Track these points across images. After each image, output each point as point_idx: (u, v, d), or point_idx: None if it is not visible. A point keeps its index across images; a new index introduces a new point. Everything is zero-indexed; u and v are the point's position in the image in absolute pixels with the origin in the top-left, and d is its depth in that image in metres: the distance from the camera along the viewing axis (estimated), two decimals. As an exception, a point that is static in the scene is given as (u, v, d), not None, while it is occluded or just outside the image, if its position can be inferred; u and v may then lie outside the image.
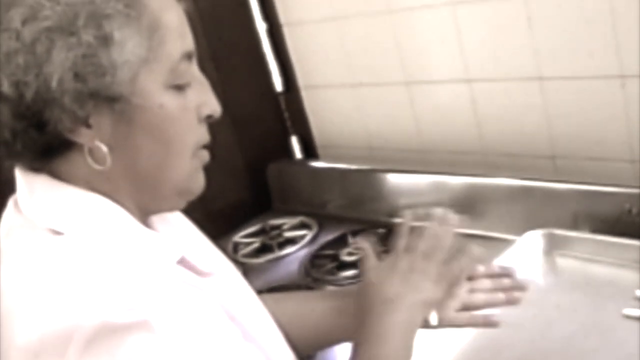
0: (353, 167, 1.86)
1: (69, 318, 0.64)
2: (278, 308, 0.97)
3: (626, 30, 1.28)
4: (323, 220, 1.83)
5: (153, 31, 0.72)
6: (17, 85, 0.67)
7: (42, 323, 0.64)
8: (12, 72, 0.67)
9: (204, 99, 0.78)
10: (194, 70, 0.78)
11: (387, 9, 1.63)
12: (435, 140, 1.70)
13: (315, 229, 1.79)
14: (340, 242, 1.68)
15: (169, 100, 0.74)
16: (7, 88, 0.68)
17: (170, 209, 0.84)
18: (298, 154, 2.03)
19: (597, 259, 1.27)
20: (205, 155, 0.81)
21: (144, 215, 0.79)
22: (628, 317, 1.09)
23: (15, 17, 0.67)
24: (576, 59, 1.38)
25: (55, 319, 0.64)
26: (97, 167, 0.72)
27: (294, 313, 1.01)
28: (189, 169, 0.78)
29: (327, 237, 1.74)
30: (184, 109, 0.75)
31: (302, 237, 1.78)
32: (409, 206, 1.69)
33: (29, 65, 0.67)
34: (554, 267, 1.32)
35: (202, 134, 0.79)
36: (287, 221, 1.87)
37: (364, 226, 1.72)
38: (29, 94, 0.67)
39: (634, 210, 1.29)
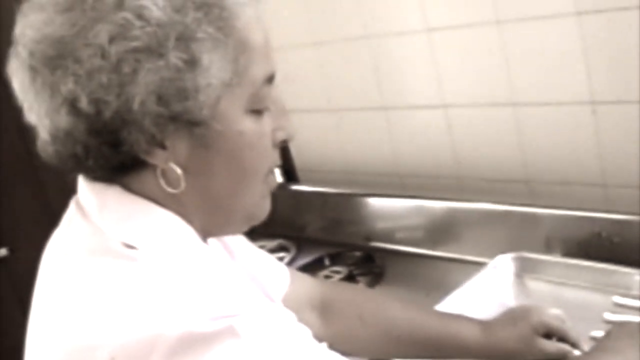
0: (332, 190, 1.87)
1: (152, 326, 0.61)
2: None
3: (596, 57, 1.31)
4: (301, 243, 1.84)
5: (239, 54, 0.69)
6: (96, 103, 0.64)
7: (125, 329, 0.62)
8: (93, 89, 0.64)
9: (280, 123, 0.76)
10: (274, 93, 0.75)
11: (365, 35, 1.66)
12: (412, 165, 1.72)
13: (293, 252, 1.80)
14: (318, 264, 1.70)
15: (248, 127, 0.71)
16: (85, 105, 0.64)
17: (233, 233, 0.83)
18: (278, 177, 2.04)
19: (568, 283, 1.29)
20: (274, 180, 0.79)
21: (205, 237, 0.78)
22: (595, 339, 1.10)
23: (102, 33, 0.63)
24: (548, 86, 1.40)
25: (139, 326, 0.62)
26: (169, 189, 0.70)
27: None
28: (259, 195, 0.76)
29: (305, 259, 1.75)
30: (262, 135, 0.73)
31: (280, 259, 1.77)
32: (387, 230, 1.71)
33: (112, 84, 0.64)
34: (525, 290, 1.33)
35: (275, 159, 0.77)
36: (266, 244, 1.88)
37: (342, 249, 1.73)
38: (107, 113, 0.65)
39: (604, 234, 1.31)
